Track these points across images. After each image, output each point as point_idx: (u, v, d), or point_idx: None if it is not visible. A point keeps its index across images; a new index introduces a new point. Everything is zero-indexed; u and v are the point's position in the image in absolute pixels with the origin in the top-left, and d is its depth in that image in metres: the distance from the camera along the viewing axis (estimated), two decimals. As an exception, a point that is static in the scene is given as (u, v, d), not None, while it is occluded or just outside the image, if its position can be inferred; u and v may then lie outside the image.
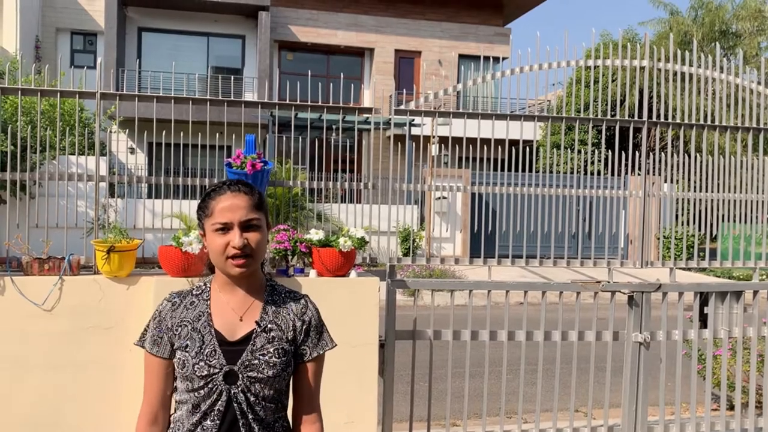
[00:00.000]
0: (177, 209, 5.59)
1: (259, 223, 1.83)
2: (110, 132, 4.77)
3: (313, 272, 3.84)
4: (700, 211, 4.69)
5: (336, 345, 1.97)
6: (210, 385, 1.76)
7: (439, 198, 14.19)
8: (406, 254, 14.61)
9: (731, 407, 5.40)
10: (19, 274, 3.61)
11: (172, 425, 1.85)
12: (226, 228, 1.79)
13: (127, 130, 13.27)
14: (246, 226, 1.80)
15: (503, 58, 22.38)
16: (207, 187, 4.00)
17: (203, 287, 1.89)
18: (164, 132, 4.34)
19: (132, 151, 15.34)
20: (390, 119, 4.07)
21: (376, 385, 3.91)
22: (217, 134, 4.11)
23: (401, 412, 5.08)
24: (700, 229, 4.75)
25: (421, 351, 4.28)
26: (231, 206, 1.79)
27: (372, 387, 3.86)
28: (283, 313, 1.87)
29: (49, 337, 3.55)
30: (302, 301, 1.93)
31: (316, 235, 3.83)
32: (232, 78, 5.02)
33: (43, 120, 11.29)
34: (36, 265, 3.60)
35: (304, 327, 1.89)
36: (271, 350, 1.80)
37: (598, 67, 4.60)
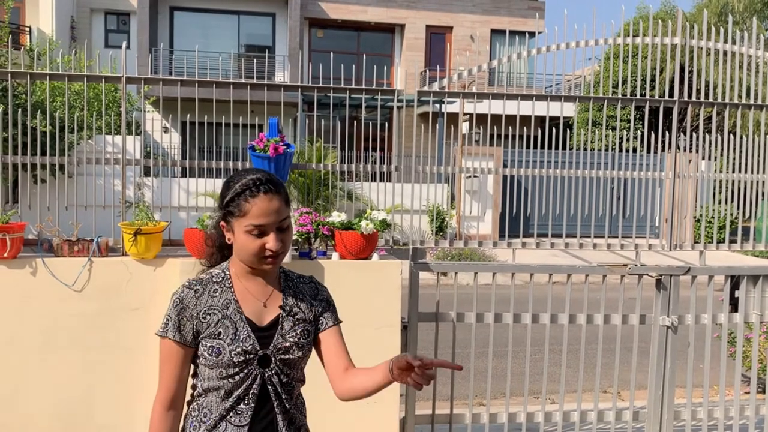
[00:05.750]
0: (211, 188, 5.70)
1: (290, 221, 1.88)
2: (145, 111, 4.84)
3: (335, 255, 3.86)
4: (738, 190, 4.57)
5: (342, 321, 2.02)
6: (246, 370, 1.81)
7: (470, 176, 14.08)
8: (437, 233, 14.60)
9: (762, 390, 5.31)
10: (50, 255, 3.71)
11: (196, 412, 1.88)
12: (262, 232, 1.80)
13: (160, 109, 13.45)
14: (279, 228, 1.83)
15: (538, 33, 21.92)
16: (234, 170, 4.05)
17: (223, 274, 1.90)
18: (189, 113, 4.38)
19: (166, 130, 15.55)
20: (420, 97, 4.05)
21: (399, 366, 3.93)
22: (249, 113, 4.16)
23: (425, 390, 5.11)
24: (737, 209, 4.63)
25: (444, 331, 4.28)
26: (268, 210, 1.79)
27: (394, 368, 3.89)
28: (300, 296, 1.95)
29: (80, 317, 3.65)
30: (311, 282, 2.02)
31: (338, 217, 3.85)
32: (257, 58, 5.03)
33: (79, 100, 11.50)
34: (66, 246, 3.70)
35: (321, 305, 1.98)
36: (298, 332, 1.89)
37: (629, 44, 4.49)
